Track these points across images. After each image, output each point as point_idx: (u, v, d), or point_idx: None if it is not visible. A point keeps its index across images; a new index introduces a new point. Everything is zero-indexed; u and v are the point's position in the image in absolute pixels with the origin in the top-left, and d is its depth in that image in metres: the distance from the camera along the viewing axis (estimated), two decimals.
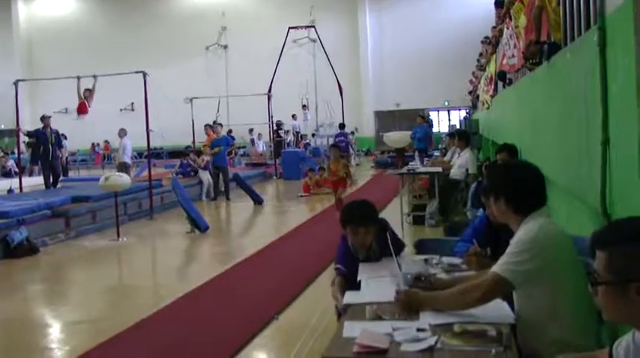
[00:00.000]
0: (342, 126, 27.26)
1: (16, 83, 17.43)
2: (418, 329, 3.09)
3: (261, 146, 31.32)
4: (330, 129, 33.29)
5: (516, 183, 3.39)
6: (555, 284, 3.18)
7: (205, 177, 18.46)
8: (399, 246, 4.57)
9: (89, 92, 17.01)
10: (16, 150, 21.94)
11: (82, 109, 17.11)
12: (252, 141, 31.70)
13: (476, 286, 3.26)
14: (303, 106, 33.41)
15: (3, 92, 24.80)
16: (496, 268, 3.21)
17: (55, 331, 7.06)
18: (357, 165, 26.80)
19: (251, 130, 31.66)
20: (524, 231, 3.24)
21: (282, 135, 29.42)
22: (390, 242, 4.19)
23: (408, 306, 3.37)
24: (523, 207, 3.32)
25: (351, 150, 28.02)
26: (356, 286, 4.00)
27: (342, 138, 26.23)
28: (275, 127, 27.94)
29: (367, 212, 4.46)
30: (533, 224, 3.24)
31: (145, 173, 17.80)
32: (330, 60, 30.75)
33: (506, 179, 3.43)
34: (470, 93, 26.94)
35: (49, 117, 17.39)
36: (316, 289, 7.86)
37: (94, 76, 16.99)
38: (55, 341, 6.61)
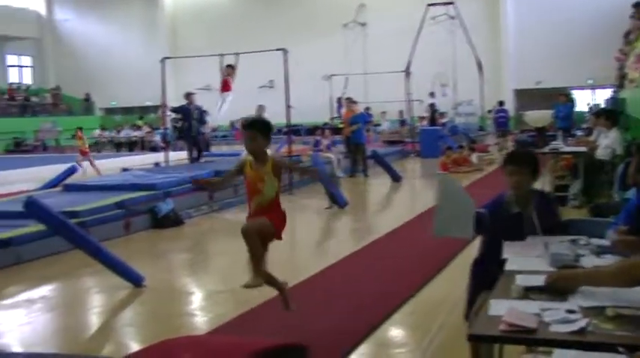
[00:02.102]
0: (501, 102, 27.15)
1: (162, 61, 18.05)
2: (568, 311, 3.00)
3: (386, 125, 31.14)
4: (468, 108, 32.77)
5: None
6: None
7: (332, 156, 18.47)
8: (558, 226, 4.51)
9: (232, 69, 17.35)
10: (162, 126, 22.78)
11: (225, 87, 17.49)
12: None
13: None
14: (442, 84, 32.97)
15: (150, 70, 25.83)
16: None
17: (197, 299, 7.31)
18: (495, 144, 26.27)
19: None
20: None
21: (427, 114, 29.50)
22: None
23: (560, 288, 3.26)
24: None
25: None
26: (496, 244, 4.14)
27: (503, 114, 26.11)
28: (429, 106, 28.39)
29: (526, 154, 4.71)
30: None
31: (284, 149, 18.09)
32: (469, 37, 30.19)
33: None
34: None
35: (193, 93, 17.94)
36: (455, 267, 7.77)
37: (236, 54, 17.34)
38: (198, 309, 6.84)
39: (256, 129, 5.48)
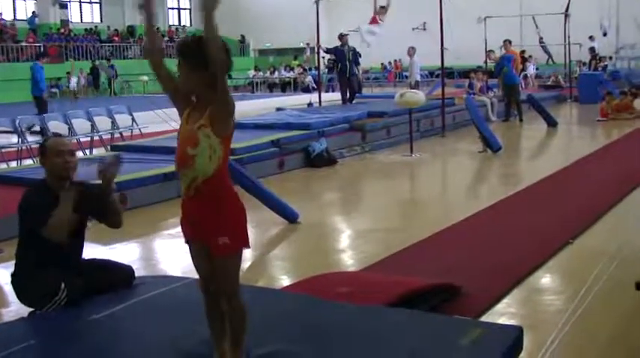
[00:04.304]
0: None
1: (316, 2, 18.14)
2: None
3: (531, 68, 29.94)
4: (631, 51, 31.15)
5: None
6: None
7: (486, 99, 18.01)
8: None
9: (383, 9, 17.37)
10: (314, 67, 23.02)
11: (373, 21, 17.55)
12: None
13: None
14: (602, 26, 31.37)
15: (303, 11, 25.96)
16: None
17: (350, 237, 7.40)
18: None
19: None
20: None
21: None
22: None
23: None
24: None
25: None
26: None
27: None
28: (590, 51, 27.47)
29: None
30: None
31: (437, 91, 17.87)
32: None
33: None
34: None
35: (347, 34, 17.95)
36: (614, 217, 7.50)
37: None
38: (351, 247, 6.94)
39: (184, 55, 3.32)
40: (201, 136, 3.22)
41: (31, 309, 4.50)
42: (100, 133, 13.47)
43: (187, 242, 3.43)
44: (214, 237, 3.25)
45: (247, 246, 3.37)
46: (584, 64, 29.50)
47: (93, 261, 4.82)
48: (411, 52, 20.03)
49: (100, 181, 4.51)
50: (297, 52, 40.79)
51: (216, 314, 3.42)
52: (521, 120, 17.47)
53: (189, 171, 3.27)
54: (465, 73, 28.50)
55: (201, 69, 3.19)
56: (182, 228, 3.44)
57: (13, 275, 4.56)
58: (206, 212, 3.28)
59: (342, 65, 17.25)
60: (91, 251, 4.89)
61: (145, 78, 33.40)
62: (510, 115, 17.72)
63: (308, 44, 33.53)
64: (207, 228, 3.27)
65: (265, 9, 42.63)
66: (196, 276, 3.52)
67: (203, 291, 3.41)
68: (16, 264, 4.55)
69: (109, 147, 12.41)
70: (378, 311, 4.19)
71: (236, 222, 3.32)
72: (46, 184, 4.50)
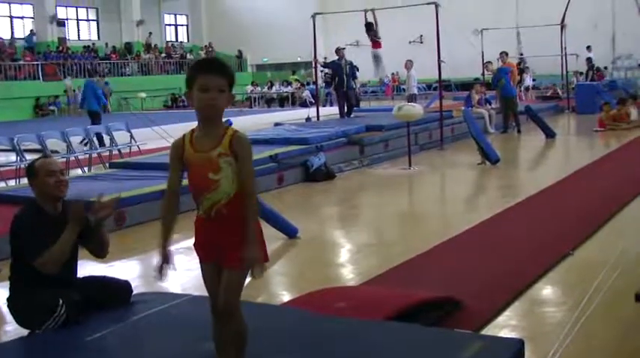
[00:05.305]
0: None
1: (313, 16, 18.19)
2: None
3: (528, 80, 30.01)
4: (628, 61, 31.23)
5: None
6: None
7: (482, 111, 18.03)
8: None
9: (370, 27, 17.53)
10: (312, 82, 23.04)
11: (375, 46, 17.64)
12: None
13: None
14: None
15: (300, 26, 26.07)
16: None
17: (348, 251, 7.38)
18: None
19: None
20: None
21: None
22: None
23: None
24: None
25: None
26: None
27: None
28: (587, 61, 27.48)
29: None
30: None
31: (435, 104, 17.89)
32: None
33: None
34: None
35: (344, 48, 18.00)
36: (614, 228, 7.49)
37: (372, 9, 17.44)
38: (350, 261, 6.90)
39: (228, 76, 3.30)
40: (222, 164, 3.27)
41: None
42: (98, 150, 13.47)
43: (201, 263, 3.45)
44: (232, 252, 3.26)
45: (266, 259, 3.38)
46: (581, 74, 29.54)
47: (89, 277, 4.80)
48: (409, 65, 20.06)
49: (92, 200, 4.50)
50: (295, 67, 40.89)
51: (225, 335, 3.43)
52: (519, 131, 17.51)
53: (212, 195, 3.29)
54: (462, 85, 28.60)
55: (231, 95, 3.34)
56: (196, 249, 3.45)
57: (8, 299, 4.52)
58: (226, 232, 3.30)
59: (340, 79, 17.28)
60: (90, 268, 4.88)
61: (143, 94, 33.46)
62: (508, 127, 17.74)
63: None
64: (226, 247, 3.30)
65: (262, 24, 42.73)
66: (196, 293, 3.51)
67: (214, 313, 3.42)
68: (10, 287, 4.51)
69: (107, 165, 12.42)
70: (377, 325, 4.17)
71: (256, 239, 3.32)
72: (38, 205, 4.48)
